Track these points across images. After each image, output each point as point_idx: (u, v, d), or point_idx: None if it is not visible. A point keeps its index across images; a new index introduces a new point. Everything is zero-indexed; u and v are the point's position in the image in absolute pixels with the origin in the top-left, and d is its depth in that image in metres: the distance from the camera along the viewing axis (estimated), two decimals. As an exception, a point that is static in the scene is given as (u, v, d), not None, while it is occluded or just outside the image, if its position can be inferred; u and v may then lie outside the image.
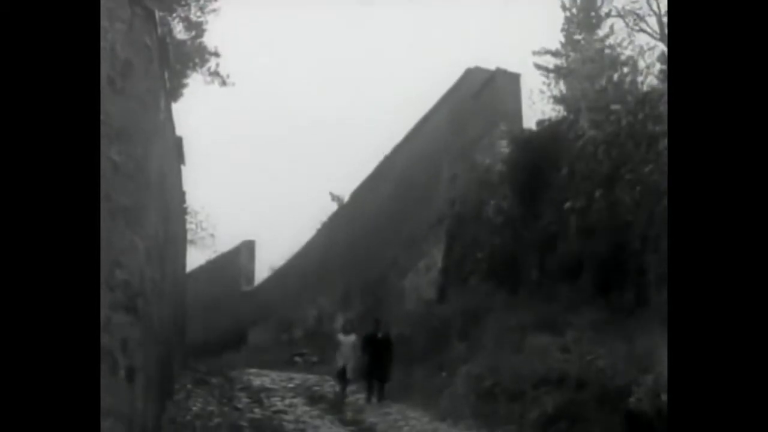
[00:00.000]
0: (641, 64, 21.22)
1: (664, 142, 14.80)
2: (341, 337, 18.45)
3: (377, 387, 17.46)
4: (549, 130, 20.35)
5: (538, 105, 24.23)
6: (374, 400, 17.17)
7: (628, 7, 31.52)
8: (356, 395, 17.65)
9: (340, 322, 19.69)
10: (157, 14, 8.24)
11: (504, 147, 21.77)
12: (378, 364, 17.44)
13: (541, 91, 22.14)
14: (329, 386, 19.33)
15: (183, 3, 25.30)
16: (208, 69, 26.25)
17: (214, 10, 25.96)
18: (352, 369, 17.55)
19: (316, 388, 19.05)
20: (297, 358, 27.02)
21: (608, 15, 31.65)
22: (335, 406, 15.96)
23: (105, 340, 4.79)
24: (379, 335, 18.08)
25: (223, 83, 26.57)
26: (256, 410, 15.09)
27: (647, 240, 14.43)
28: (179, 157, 14.98)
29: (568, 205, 17.75)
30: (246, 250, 39.44)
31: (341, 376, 17.68)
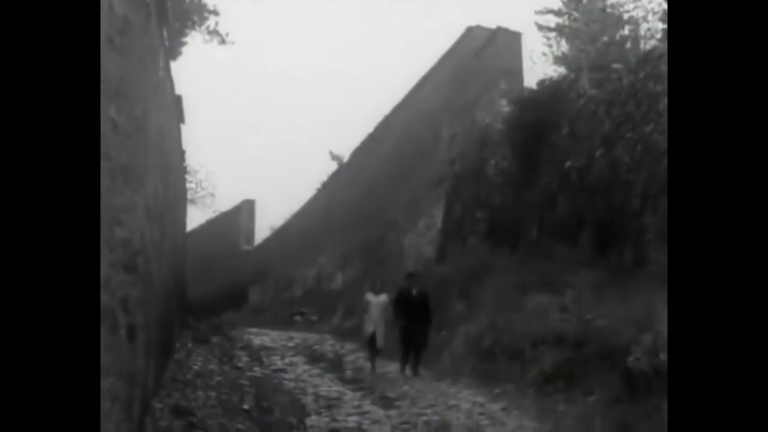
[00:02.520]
0: (644, 26, 21.00)
1: (664, 102, 14.73)
2: (370, 297, 16.00)
3: (413, 357, 15.03)
4: (550, 89, 20.26)
5: (539, 66, 24.06)
6: (408, 372, 14.89)
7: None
8: (385, 368, 15.49)
9: (364, 286, 17.26)
10: (155, -29, 8.16)
11: (504, 106, 21.69)
12: (414, 327, 14.93)
13: (544, 54, 21.94)
14: (329, 345, 19.42)
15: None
16: (207, 27, 26.02)
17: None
18: (383, 336, 15.47)
19: (316, 347, 19.13)
20: (297, 317, 27.13)
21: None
22: (335, 365, 16.02)
23: (105, 298, 4.79)
24: (414, 292, 15.49)
25: (222, 42, 26.34)
26: (257, 369, 15.16)
27: (647, 200, 14.42)
28: (178, 115, 14.91)
29: (568, 164, 17.72)
30: (246, 209, 39.46)
31: (371, 345, 15.63)
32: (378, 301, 15.83)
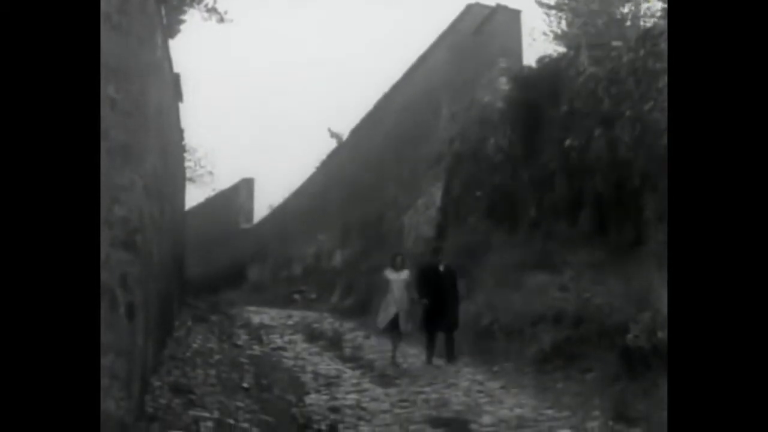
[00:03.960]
0: (644, 5, 20.95)
1: (664, 79, 14.68)
2: (390, 274, 14.14)
3: (445, 341, 13.51)
4: (549, 67, 20.18)
5: (539, 43, 23.97)
6: (438, 361, 13.37)
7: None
8: (408, 357, 14.10)
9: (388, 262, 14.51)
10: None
11: (504, 84, 21.63)
12: (442, 307, 13.44)
13: (544, 33, 21.86)
14: (328, 323, 19.46)
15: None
16: (206, 5, 25.84)
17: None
18: (407, 317, 13.77)
19: (315, 325, 19.17)
20: (296, 296, 27.18)
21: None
22: (334, 344, 16.03)
23: (104, 276, 4.79)
24: (441, 267, 14.10)
25: (221, 20, 26.12)
26: (256, 347, 15.21)
27: (646, 178, 14.40)
28: (177, 94, 14.86)
29: (567, 143, 17.67)
30: (245, 187, 39.43)
31: (393, 328, 13.84)
32: (399, 278, 13.98)
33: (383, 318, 13.93)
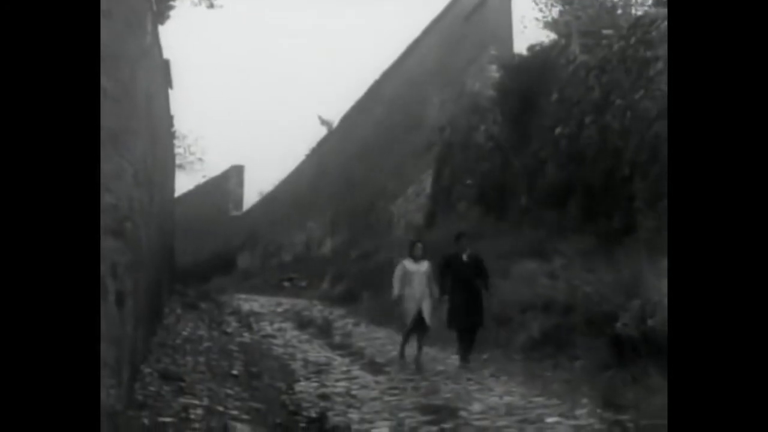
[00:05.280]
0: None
1: (655, 68, 14.71)
2: (409, 265, 12.58)
3: (465, 340, 12.10)
4: (540, 55, 20.19)
5: (530, 31, 23.96)
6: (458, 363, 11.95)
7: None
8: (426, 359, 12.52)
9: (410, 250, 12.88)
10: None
11: (494, 72, 21.62)
12: (468, 302, 12.01)
13: (536, 19, 21.81)
14: (318, 311, 19.46)
15: None
16: (195, -9, 25.76)
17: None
18: (430, 311, 12.37)
19: (305, 312, 19.18)
20: (285, 283, 27.20)
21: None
22: (324, 331, 16.04)
23: (94, 264, 4.76)
24: (465, 257, 12.46)
25: (211, 5, 26.04)
26: (246, 334, 15.21)
27: (636, 166, 14.42)
28: (167, 80, 14.79)
29: (557, 130, 17.70)
30: (235, 174, 39.44)
31: (419, 326, 12.36)
32: (420, 269, 12.49)
33: (406, 317, 12.39)
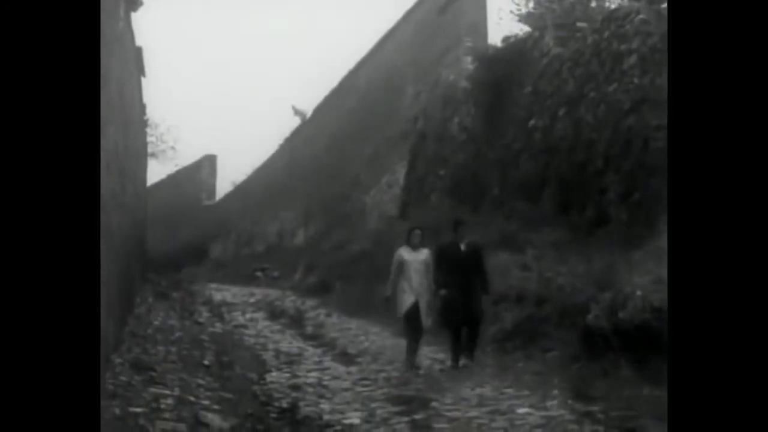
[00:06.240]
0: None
1: (629, 61, 14.78)
2: (405, 254, 11.30)
3: (467, 335, 10.95)
4: (514, 47, 20.21)
5: (505, 22, 23.95)
6: (462, 361, 10.78)
7: None
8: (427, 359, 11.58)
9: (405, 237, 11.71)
10: None
11: (469, 64, 21.61)
12: (466, 295, 10.87)
13: (512, 12, 21.80)
14: (290, 301, 19.40)
15: None
16: (169, -22, 25.57)
17: None
18: (428, 309, 11.14)
19: (277, 303, 19.12)
20: (258, 273, 27.10)
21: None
22: (296, 322, 15.99)
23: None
24: (463, 246, 11.26)
25: (184, -7, 25.90)
26: (218, 324, 15.15)
27: (609, 159, 14.49)
28: (139, 68, 14.68)
29: (531, 123, 17.74)
30: (208, 164, 39.27)
31: (412, 321, 11.12)
32: (417, 259, 11.23)
33: (399, 309, 11.24)
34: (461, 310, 10.80)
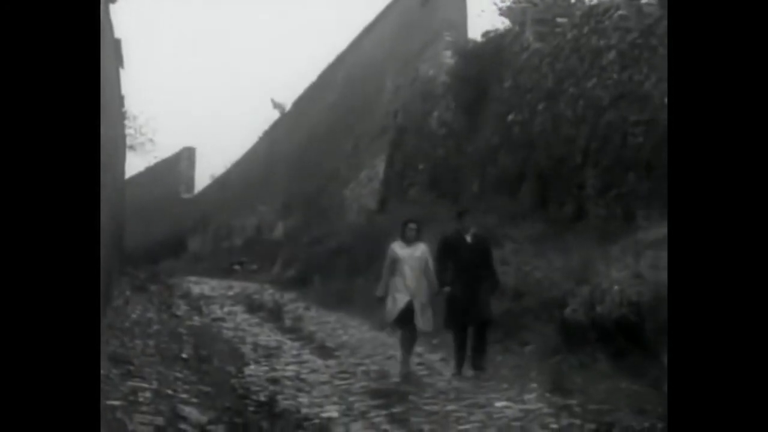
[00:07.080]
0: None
1: (607, 57, 14.83)
2: (399, 249, 10.12)
3: (474, 337, 9.94)
4: (494, 41, 20.25)
5: (485, 17, 24.00)
6: (468, 370, 9.82)
7: None
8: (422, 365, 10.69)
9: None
10: None
11: (448, 58, 21.64)
12: (471, 293, 9.82)
13: (494, 4, 21.77)
14: (268, 295, 19.36)
15: None
16: (148, -31, 25.44)
17: None
18: (423, 309, 9.91)
19: (256, 296, 19.08)
20: (236, 267, 27.05)
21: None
22: (275, 315, 15.96)
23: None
24: (469, 238, 10.23)
25: (163, -15, 25.78)
26: (196, 318, 15.11)
27: (588, 154, 14.55)
28: (118, 59, 14.60)
29: (510, 117, 17.78)
30: (186, 156, 39.08)
31: (405, 324, 9.96)
32: (413, 255, 10.02)
33: (391, 310, 10.04)
34: (469, 309, 9.82)
